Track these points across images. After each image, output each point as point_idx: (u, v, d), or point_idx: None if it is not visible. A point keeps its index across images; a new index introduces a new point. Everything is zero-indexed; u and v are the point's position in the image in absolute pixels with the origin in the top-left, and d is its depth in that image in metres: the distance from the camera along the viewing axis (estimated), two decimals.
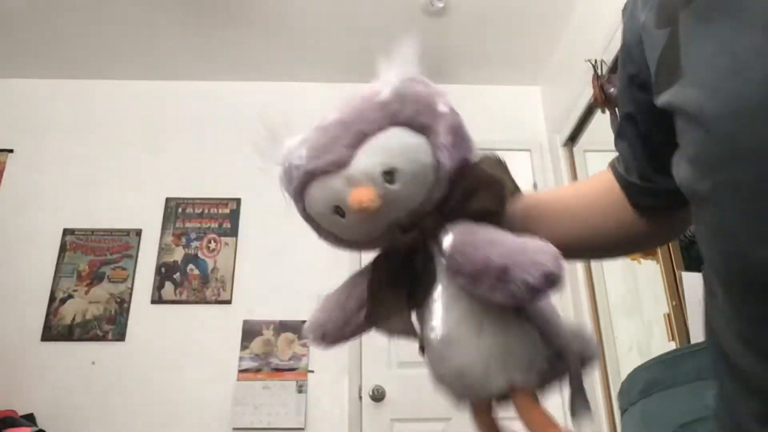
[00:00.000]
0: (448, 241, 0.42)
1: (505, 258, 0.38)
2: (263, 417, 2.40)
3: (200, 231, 2.74)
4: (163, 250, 2.70)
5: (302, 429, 2.39)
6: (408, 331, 0.44)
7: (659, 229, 0.57)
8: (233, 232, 2.73)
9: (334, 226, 0.44)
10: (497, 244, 0.40)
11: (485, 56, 2.87)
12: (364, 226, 0.43)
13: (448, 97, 0.46)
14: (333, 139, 0.42)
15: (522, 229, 0.46)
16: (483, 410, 0.44)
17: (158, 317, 2.57)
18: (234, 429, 2.38)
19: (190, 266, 2.67)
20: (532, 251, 0.38)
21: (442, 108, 0.44)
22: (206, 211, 2.77)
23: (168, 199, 2.77)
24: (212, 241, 2.72)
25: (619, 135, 0.59)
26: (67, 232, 2.70)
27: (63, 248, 2.68)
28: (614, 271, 2.36)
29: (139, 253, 2.69)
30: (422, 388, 2.55)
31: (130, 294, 2.61)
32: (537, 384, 0.43)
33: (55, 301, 2.58)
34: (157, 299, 2.61)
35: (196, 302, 2.60)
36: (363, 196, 0.40)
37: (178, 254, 2.69)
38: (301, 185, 0.43)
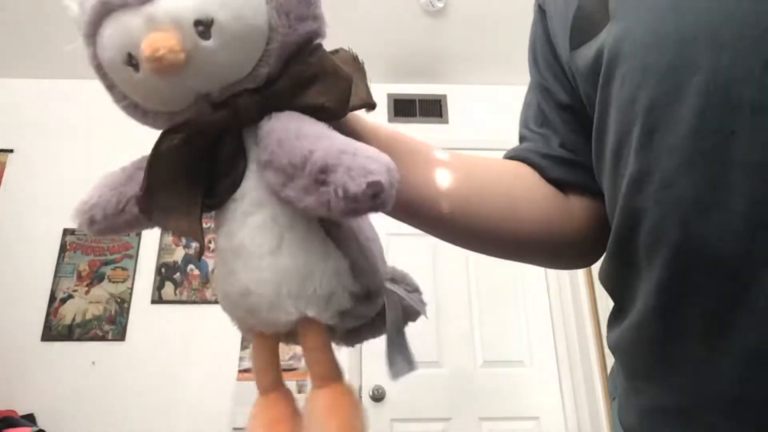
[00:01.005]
0: (269, 128, 0.34)
1: (329, 156, 0.31)
2: None
3: None
4: (163, 250, 2.70)
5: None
6: (192, 233, 0.36)
7: (588, 223, 0.52)
8: None
9: (127, 83, 0.35)
10: (325, 139, 0.32)
11: (485, 56, 2.87)
12: (162, 88, 0.34)
13: None
14: None
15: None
16: (267, 345, 0.38)
17: (158, 317, 2.57)
18: (234, 429, 2.38)
19: (190, 266, 2.67)
20: (364, 156, 0.31)
21: None
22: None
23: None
24: (212, 242, 2.71)
25: (528, 108, 0.59)
26: (67, 232, 2.70)
27: (63, 248, 2.68)
28: None
29: (139, 253, 2.69)
30: (422, 388, 2.56)
31: (130, 294, 2.61)
32: (334, 322, 0.36)
33: (55, 301, 2.58)
34: (157, 299, 2.61)
35: (196, 302, 2.60)
36: (161, 41, 0.31)
37: (178, 254, 2.69)
38: (93, 22, 0.34)
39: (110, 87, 0.36)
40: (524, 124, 0.59)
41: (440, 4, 2.54)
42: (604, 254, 0.46)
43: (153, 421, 2.38)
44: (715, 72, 0.34)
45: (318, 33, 0.37)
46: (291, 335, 0.37)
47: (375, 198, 0.30)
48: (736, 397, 0.34)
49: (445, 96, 3.02)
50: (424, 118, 2.96)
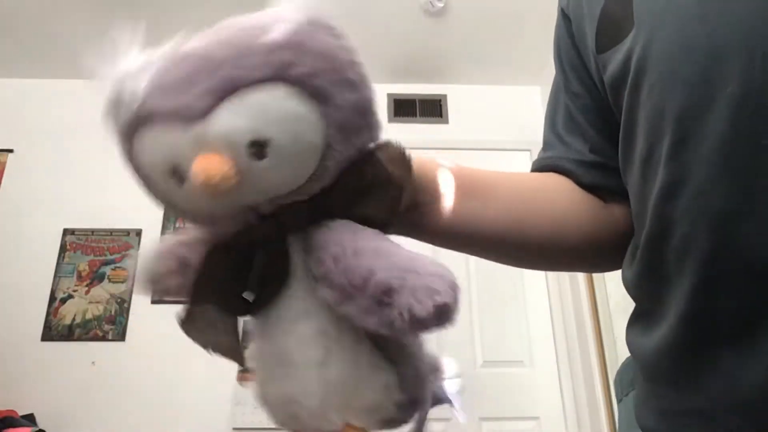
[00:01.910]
0: (323, 240, 0.33)
1: (392, 276, 0.29)
2: (263, 417, 2.36)
3: None
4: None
5: None
6: (229, 349, 0.35)
7: (606, 218, 0.53)
8: None
9: (169, 190, 0.32)
10: (385, 256, 0.31)
11: (485, 56, 2.87)
12: (209, 203, 0.32)
13: (362, 63, 0.34)
14: (189, 77, 0.30)
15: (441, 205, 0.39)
16: None
17: (158, 317, 2.56)
18: (234, 429, 2.38)
19: None
20: (427, 273, 0.29)
21: (351, 75, 0.32)
22: None
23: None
24: None
25: (555, 111, 0.59)
26: (67, 232, 2.70)
27: (63, 248, 2.68)
28: (614, 272, 2.35)
29: (140, 253, 2.68)
30: None
31: (130, 294, 2.61)
32: (376, 429, 0.35)
33: (55, 301, 2.58)
34: (157, 299, 2.61)
35: None
36: (214, 167, 0.28)
37: None
38: (130, 127, 0.31)
39: (149, 187, 0.34)
40: (551, 127, 0.59)
41: (440, 4, 2.54)
42: (628, 259, 0.47)
43: (153, 421, 2.38)
44: (746, 83, 0.34)
45: (372, 140, 0.35)
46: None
47: (441, 318, 0.29)
48: (761, 401, 0.34)
49: (445, 96, 3.02)
50: (424, 118, 2.96)
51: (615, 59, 0.44)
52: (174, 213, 0.36)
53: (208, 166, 0.28)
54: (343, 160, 0.33)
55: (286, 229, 0.34)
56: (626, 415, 0.52)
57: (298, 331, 0.33)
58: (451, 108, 3.00)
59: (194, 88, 0.29)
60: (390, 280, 0.29)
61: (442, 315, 0.29)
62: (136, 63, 0.32)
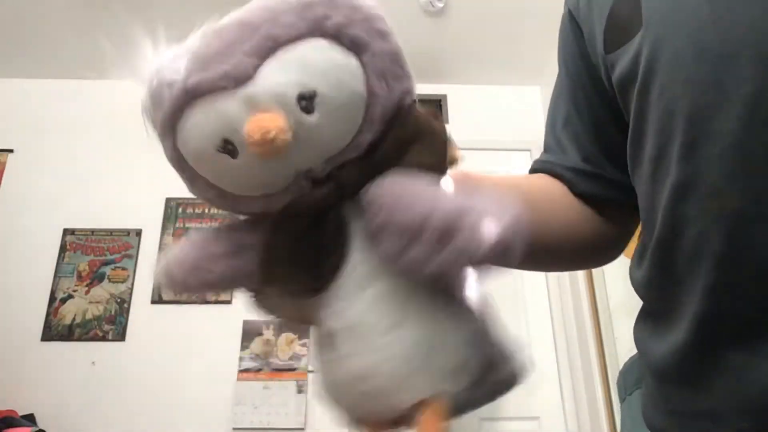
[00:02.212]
0: (377, 193, 0.32)
1: (452, 211, 0.29)
2: (263, 417, 2.40)
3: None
4: (163, 250, 2.70)
5: (302, 429, 2.39)
6: (306, 320, 0.33)
7: (608, 228, 0.55)
8: None
9: (219, 171, 0.32)
10: (442, 197, 0.30)
11: (485, 56, 2.87)
12: (263, 171, 0.31)
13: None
14: (230, 44, 0.30)
15: None
16: None
17: (158, 317, 2.57)
18: (234, 429, 2.38)
19: None
20: (485, 209, 0.29)
21: (381, 25, 0.33)
22: (206, 211, 2.77)
23: (168, 199, 2.77)
24: None
25: (556, 115, 0.59)
26: (67, 232, 2.70)
27: (63, 248, 2.68)
28: (614, 271, 2.36)
29: (139, 253, 2.68)
30: None
31: (130, 294, 2.61)
32: (462, 397, 0.32)
33: (55, 301, 2.58)
34: (157, 299, 2.61)
35: (196, 302, 2.59)
36: (269, 122, 0.28)
37: None
38: (175, 110, 0.31)
39: (192, 179, 0.34)
40: (552, 130, 0.60)
41: (440, 4, 2.54)
42: (636, 259, 0.47)
43: (153, 421, 2.38)
44: (760, 85, 0.34)
45: (410, 90, 0.35)
46: (402, 421, 0.32)
47: (508, 246, 0.28)
48: None
49: (445, 96, 3.01)
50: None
51: (623, 59, 0.44)
52: (223, 203, 0.34)
53: (263, 123, 0.28)
54: (387, 108, 0.33)
55: (343, 192, 0.33)
56: (630, 414, 0.52)
57: (367, 297, 0.32)
58: (451, 108, 3.00)
59: (237, 52, 0.30)
60: (451, 214, 0.29)
61: (506, 242, 0.28)
62: (169, 54, 0.32)
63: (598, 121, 0.54)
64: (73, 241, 2.69)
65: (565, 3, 0.58)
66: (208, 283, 0.34)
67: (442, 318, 0.32)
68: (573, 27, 0.56)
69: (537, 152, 2.69)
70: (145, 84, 0.33)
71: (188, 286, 0.34)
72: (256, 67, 0.30)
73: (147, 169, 2.84)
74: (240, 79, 0.29)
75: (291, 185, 0.33)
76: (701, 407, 0.39)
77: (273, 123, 0.28)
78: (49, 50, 2.81)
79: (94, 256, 2.67)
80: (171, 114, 0.31)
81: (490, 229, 0.28)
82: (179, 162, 0.33)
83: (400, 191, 0.31)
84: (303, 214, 0.33)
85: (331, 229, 0.33)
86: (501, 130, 2.90)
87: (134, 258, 2.67)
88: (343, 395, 0.33)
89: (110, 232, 2.71)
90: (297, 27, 0.30)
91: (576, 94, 0.57)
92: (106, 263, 2.66)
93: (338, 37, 0.31)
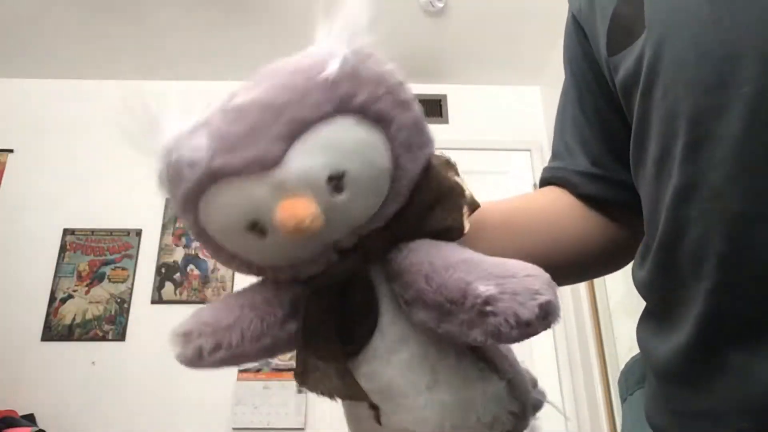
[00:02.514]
0: (408, 263, 0.32)
1: (490, 284, 0.29)
2: (263, 417, 2.40)
3: None
4: (163, 250, 2.70)
5: (302, 429, 2.39)
6: (353, 395, 0.33)
7: (620, 231, 0.55)
8: None
9: (246, 247, 0.32)
10: (476, 265, 0.30)
11: (485, 56, 2.87)
12: (293, 248, 0.32)
13: (407, 82, 0.34)
14: (254, 127, 0.29)
15: (466, 244, 0.42)
16: None
17: (158, 317, 2.57)
18: (234, 429, 2.38)
19: (190, 266, 2.67)
20: (523, 275, 0.29)
21: (403, 95, 0.33)
22: None
23: (168, 199, 2.74)
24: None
25: (564, 120, 0.60)
26: (67, 232, 2.70)
27: (63, 248, 2.68)
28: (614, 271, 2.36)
29: (139, 253, 2.68)
30: None
31: (130, 294, 2.61)
32: None
33: (55, 301, 2.58)
34: (157, 299, 2.61)
35: (197, 302, 2.59)
36: (301, 210, 0.28)
37: (178, 254, 2.69)
38: (198, 190, 0.30)
39: (216, 250, 0.33)
40: (560, 136, 0.60)
41: (440, 4, 2.54)
42: (639, 260, 0.47)
43: (153, 421, 2.38)
44: (762, 86, 0.34)
45: (432, 153, 0.35)
46: None
47: (546, 317, 0.28)
48: None
49: (445, 96, 3.02)
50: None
51: (627, 61, 0.44)
52: (249, 271, 0.35)
53: (296, 211, 0.28)
54: (412, 177, 0.33)
55: (368, 259, 0.34)
56: (631, 414, 0.52)
57: (399, 360, 0.33)
58: (451, 108, 3.00)
59: (263, 137, 0.29)
60: (489, 288, 0.29)
61: (548, 314, 0.28)
62: (184, 126, 0.31)
63: (606, 124, 0.54)
64: (73, 241, 2.69)
65: (569, 7, 0.58)
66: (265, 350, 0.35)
67: (473, 378, 0.33)
68: (577, 30, 0.57)
69: (537, 152, 2.70)
70: (160, 157, 0.32)
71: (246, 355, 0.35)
72: (284, 152, 0.29)
73: (147, 169, 2.83)
74: (268, 165, 0.29)
75: (319, 257, 0.33)
76: (702, 407, 0.39)
77: (306, 210, 0.28)
78: (49, 50, 2.81)
79: (94, 256, 2.67)
80: (194, 193, 0.31)
81: (531, 297, 0.28)
82: (201, 236, 0.33)
83: (430, 262, 0.31)
84: (332, 284, 0.33)
85: (360, 294, 0.33)
86: (501, 130, 2.90)
87: (134, 258, 2.67)
88: None
89: (110, 232, 2.71)
90: (323, 107, 0.30)
91: (583, 98, 0.57)
92: (106, 263, 2.66)
93: (364, 113, 0.31)
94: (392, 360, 0.33)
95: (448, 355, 0.32)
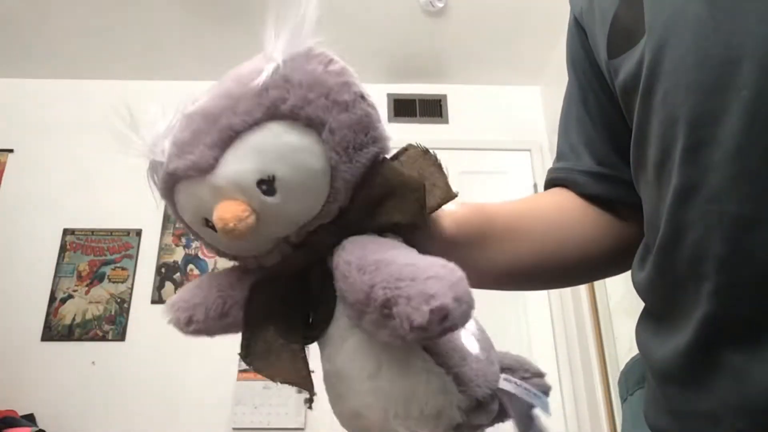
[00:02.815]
0: (336, 261, 0.34)
1: (388, 288, 0.29)
2: (263, 417, 2.40)
3: None
4: (163, 250, 2.70)
5: (302, 429, 2.39)
6: (300, 381, 0.34)
7: (628, 230, 0.55)
8: None
9: (210, 239, 0.36)
10: (386, 266, 0.31)
11: (485, 56, 2.87)
12: (243, 244, 0.35)
13: (355, 77, 0.35)
14: (195, 134, 0.33)
15: (473, 248, 0.40)
16: None
17: (158, 317, 2.54)
18: (234, 429, 2.38)
19: (191, 266, 2.67)
20: (423, 278, 0.29)
21: (342, 96, 0.33)
22: None
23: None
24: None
25: (568, 121, 0.60)
26: (67, 232, 2.70)
27: (63, 248, 2.68)
28: None
29: (139, 253, 2.69)
30: None
31: (130, 294, 2.61)
32: None
33: (55, 301, 2.58)
34: (157, 299, 2.61)
35: None
36: (229, 212, 0.31)
37: (178, 254, 2.69)
38: (167, 186, 0.35)
39: (197, 237, 0.37)
40: (565, 136, 0.60)
41: (440, 4, 2.54)
42: (638, 262, 0.47)
43: (153, 421, 2.38)
44: (760, 91, 0.34)
45: (381, 153, 0.36)
46: None
47: (444, 321, 0.28)
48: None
49: (445, 96, 3.02)
50: (424, 118, 2.96)
51: (627, 64, 0.45)
52: (224, 256, 0.38)
53: (224, 214, 0.31)
54: (352, 178, 0.34)
55: (319, 253, 0.35)
56: (631, 414, 0.52)
57: (347, 347, 0.34)
58: (451, 108, 3.00)
59: (200, 144, 0.32)
60: (386, 292, 0.29)
61: (443, 317, 0.28)
62: (160, 128, 0.34)
63: (610, 123, 0.54)
64: (73, 241, 2.69)
65: (571, 9, 0.59)
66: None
67: (417, 369, 0.34)
68: (579, 32, 0.57)
69: (537, 152, 2.71)
70: (144, 156, 0.35)
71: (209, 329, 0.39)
72: (216, 158, 0.32)
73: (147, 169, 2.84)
74: (204, 170, 0.32)
75: (275, 248, 0.36)
76: (702, 408, 0.39)
77: (232, 213, 0.31)
78: (49, 50, 2.82)
79: (94, 256, 2.67)
80: (166, 190, 0.35)
81: (424, 301, 0.28)
82: (182, 222, 0.37)
83: (349, 262, 0.33)
84: (288, 274, 0.36)
85: (317, 283, 0.36)
86: (501, 130, 2.90)
87: (134, 258, 2.67)
88: (346, 427, 0.37)
89: (110, 232, 2.71)
90: (253, 114, 0.32)
91: (587, 98, 0.57)
92: (106, 263, 2.66)
93: (294, 118, 0.32)
94: (343, 346, 0.34)
95: (394, 347, 0.33)
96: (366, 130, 0.34)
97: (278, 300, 0.36)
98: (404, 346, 0.33)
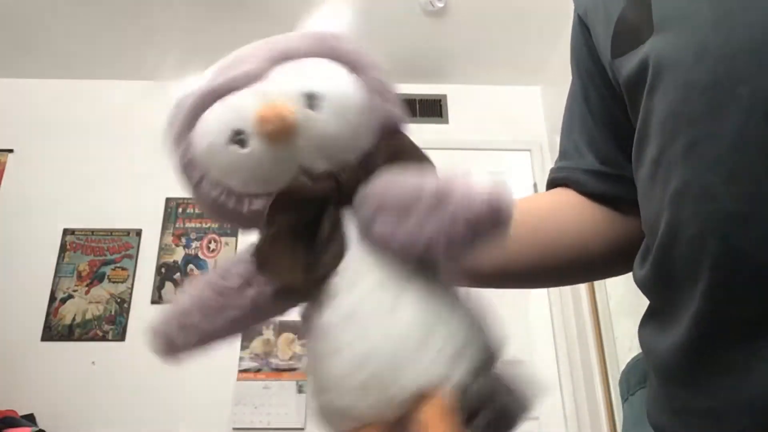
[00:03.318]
0: (367, 187, 0.34)
1: (443, 182, 0.31)
2: (263, 417, 2.40)
3: (200, 231, 2.74)
4: (163, 250, 2.70)
5: (302, 429, 2.39)
6: (294, 272, 0.33)
7: (631, 228, 0.55)
8: (233, 232, 2.73)
9: (227, 164, 0.34)
10: (432, 174, 0.32)
11: (485, 56, 2.87)
12: (267, 162, 0.33)
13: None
14: (248, 54, 0.36)
15: None
16: None
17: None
18: (234, 429, 2.38)
19: (191, 266, 2.67)
20: (476, 175, 0.30)
21: (377, 63, 0.38)
22: None
23: (168, 199, 2.77)
24: (212, 242, 2.72)
25: (572, 120, 0.60)
26: (67, 232, 2.70)
27: (63, 248, 2.68)
28: None
29: (139, 253, 2.69)
30: None
31: (130, 294, 2.61)
32: (464, 388, 0.31)
33: (55, 301, 2.58)
34: (157, 299, 2.61)
35: None
36: (272, 110, 0.32)
37: (178, 254, 2.69)
38: (193, 112, 0.35)
39: (199, 181, 0.35)
40: (568, 135, 0.61)
41: (440, 4, 2.54)
42: (640, 260, 0.48)
43: (153, 421, 2.38)
44: (757, 87, 0.34)
45: (399, 119, 0.38)
46: (401, 426, 0.31)
47: (497, 213, 0.29)
48: None
49: (445, 96, 3.02)
50: (424, 118, 2.96)
51: (631, 63, 0.45)
52: (225, 206, 0.36)
53: (267, 111, 0.32)
54: (381, 119, 0.37)
55: (339, 192, 0.35)
56: (632, 414, 0.52)
57: (363, 286, 0.33)
58: (451, 108, 3.00)
59: (253, 60, 0.35)
60: (441, 185, 0.31)
61: (498, 208, 0.29)
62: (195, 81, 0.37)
63: (613, 121, 0.54)
64: (73, 241, 2.69)
65: (575, 9, 0.59)
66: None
67: (439, 304, 0.33)
68: (583, 31, 0.57)
69: (537, 152, 2.71)
70: (173, 103, 0.37)
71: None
72: (266, 70, 0.35)
73: (147, 169, 2.84)
74: (255, 77, 0.34)
75: (293, 181, 0.35)
76: (702, 406, 0.39)
77: (274, 111, 0.32)
78: (49, 50, 2.82)
79: (94, 256, 2.67)
80: (188, 117, 0.35)
81: (482, 190, 0.29)
82: (188, 167, 0.36)
83: (390, 178, 0.34)
84: (300, 207, 0.35)
85: (328, 226, 0.34)
86: (501, 130, 2.90)
87: (134, 258, 2.68)
88: (337, 393, 0.32)
89: (110, 232, 2.71)
90: (308, 48, 0.36)
91: (590, 97, 0.57)
92: (106, 263, 2.66)
93: (343, 59, 0.36)
94: (355, 288, 0.33)
95: (412, 282, 0.33)
96: (392, 90, 0.38)
97: (288, 237, 0.34)
98: (425, 281, 0.33)
